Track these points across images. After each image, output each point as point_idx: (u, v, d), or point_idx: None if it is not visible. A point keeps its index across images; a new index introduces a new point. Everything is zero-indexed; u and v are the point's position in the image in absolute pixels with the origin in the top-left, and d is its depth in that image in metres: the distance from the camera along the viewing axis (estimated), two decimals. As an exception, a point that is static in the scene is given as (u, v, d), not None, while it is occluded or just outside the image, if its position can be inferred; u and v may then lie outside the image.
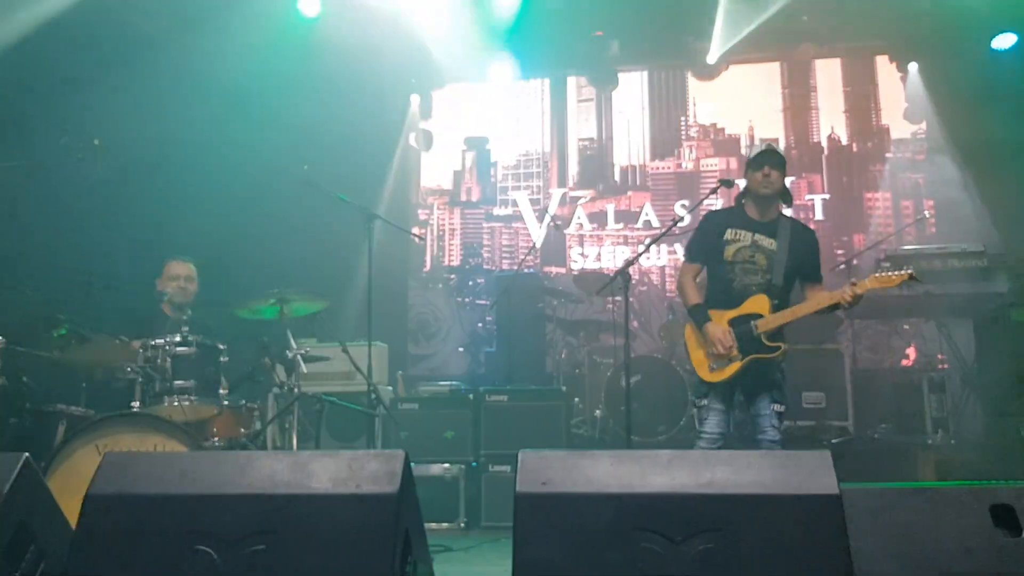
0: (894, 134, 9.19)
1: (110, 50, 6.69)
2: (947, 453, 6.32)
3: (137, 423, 4.24)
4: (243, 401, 4.98)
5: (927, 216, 8.61)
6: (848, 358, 7.05)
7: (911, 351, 8.36)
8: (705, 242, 4.75)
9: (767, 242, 4.61)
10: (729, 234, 4.64)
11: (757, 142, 9.33)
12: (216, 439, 4.72)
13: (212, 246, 6.44)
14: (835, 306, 4.48)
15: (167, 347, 4.61)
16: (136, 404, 4.43)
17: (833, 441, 6.57)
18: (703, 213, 5.41)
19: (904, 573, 2.48)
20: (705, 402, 4.59)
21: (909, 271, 4.43)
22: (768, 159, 4.62)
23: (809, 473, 2.41)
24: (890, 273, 4.46)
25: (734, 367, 4.49)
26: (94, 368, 4.94)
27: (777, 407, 4.47)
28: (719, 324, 4.53)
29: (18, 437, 4.37)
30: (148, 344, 4.62)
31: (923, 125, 9.06)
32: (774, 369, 4.55)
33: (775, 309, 4.52)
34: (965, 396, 6.87)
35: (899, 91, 9.20)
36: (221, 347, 4.82)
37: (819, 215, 9.08)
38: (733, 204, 4.88)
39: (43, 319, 4.37)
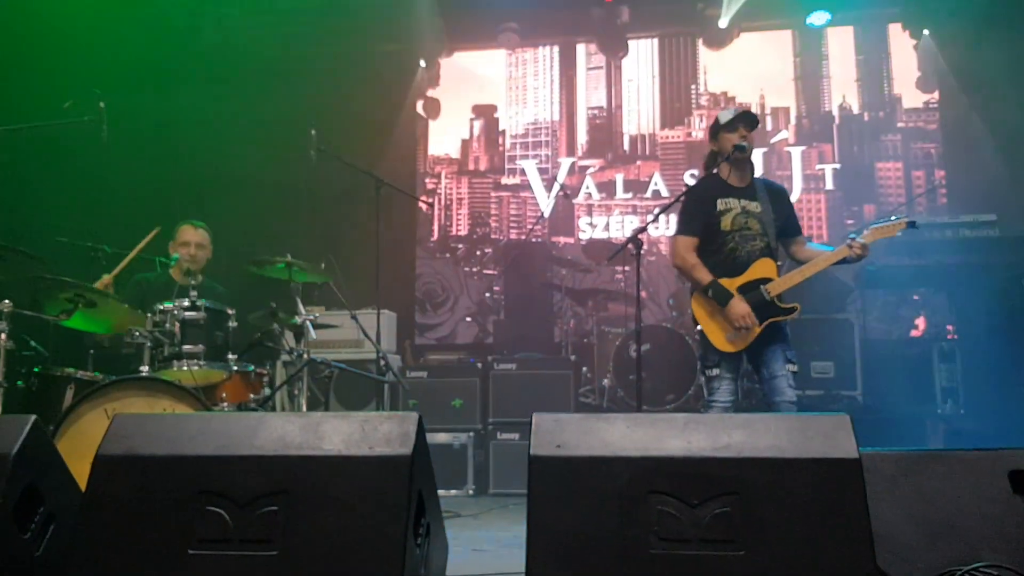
0: (906, 103, 9.08)
1: (116, 10, 6.61)
2: (957, 423, 6.31)
3: (146, 387, 4.22)
4: (252, 367, 4.96)
5: (939, 186, 8.54)
6: (857, 328, 7.01)
7: (920, 321, 8.32)
8: (700, 214, 4.65)
9: (753, 206, 4.59)
10: (721, 204, 4.60)
11: (768, 111, 9.24)
12: (225, 404, 4.71)
13: (220, 210, 6.41)
14: (841, 263, 4.47)
15: (176, 312, 4.59)
16: (145, 368, 4.41)
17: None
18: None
19: (923, 538, 2.47)
20: (717, 371, 4.54)
21: (906, 219, 4.39)
22: (743, 120, 4.58)
23: (828, 437, 2.37)
24: (889, 221, 4.42)
25: (753, 333, 4.46)
26: (102, 333, 4.93)
27: (791, 367, 4.45)
28: (740, 300, 4.48)
29: (26, 401, 4.35)
30: (156, 308, 4.59)
31: (935, 94, 8.96)
32: (783, 330, 4.54)
33: (779, 272, 4.54)
34: (975, 366, 6.83)
35: (912, 60, 9.08)
36: (230, 312, 4.80)
37: (829, 185, 8.99)
38: (704, 174, 4.82)
39: (50, 283, 4.33)
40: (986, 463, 2.62)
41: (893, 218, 4.47)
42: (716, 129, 4.71)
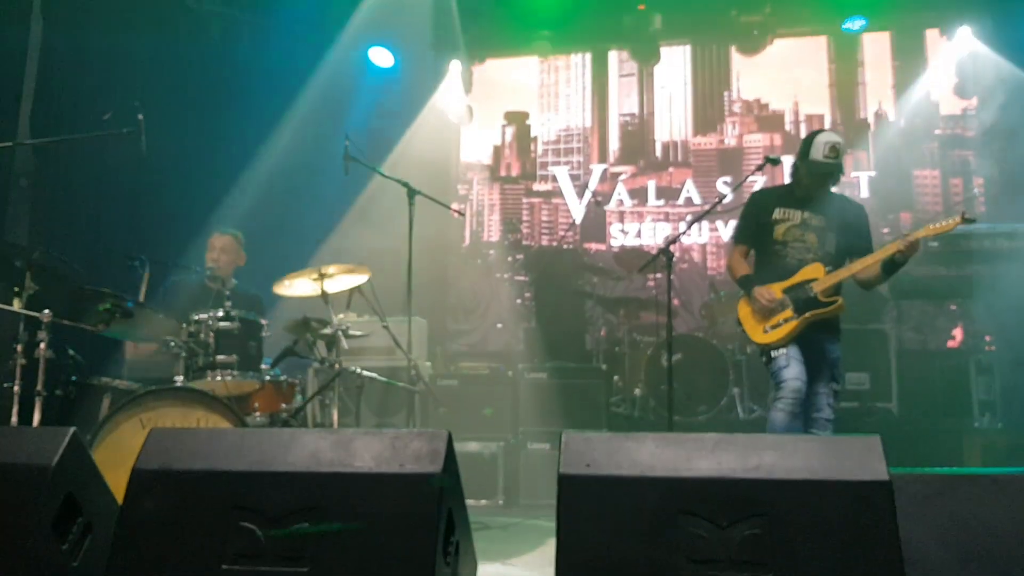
0: (943, 110, 8.97)
1: (156, 25, 6.72)
2: (994, 437, 6.21)
3: (180, 397, 4.28)
4: (284, 376, 5.01)
5: (977, 194, 8.43)
6: (893, 339, 6.95)
7: (958, 332, 8.20)
8: (753, 223, 4.73)
9: (816, 220, 4.56)
10: (778, 213, 4.60)
11: (802, 118, 9.18)
12: (258, 414, 4.76)
13: (256, 221, 6.49)
14: (891, 263, 4.37)
15: (210, 322, 4.64)
16: (179, 378, 4.47)
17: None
18: (748, 191, 5.35)
19: (955, 562, 2.44)
20: (784, 351, 4.44)
21: (961, 215, 4.25)
22: (836, 156, 4.49)
23: (858, 458, 2.36)
24: (944, 221, 4.35)
25: (790, 327, 4.44)
26: (138, 342, 5.00)
27: (835, 385, 4.48)
28: (764, 286, 4.52)
29: (64, 409, 4.42)
30: (192, 319, 4.65)
31: (973, 101, 8.84)
32: (834, 347, 4.54)
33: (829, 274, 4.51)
34: (1013, 379, 6.73)
35: (950, 66, 8.97)
36: (263, 322, 4.85)
37: (864, 192, 8.90)
38: (782, 182, 4.82)
39: (89, 294, 4.41)
40: (1020, 485, 2.58)
41: (950, 219, 4.34)
42: (811, 158, 4.58)
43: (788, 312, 4.46)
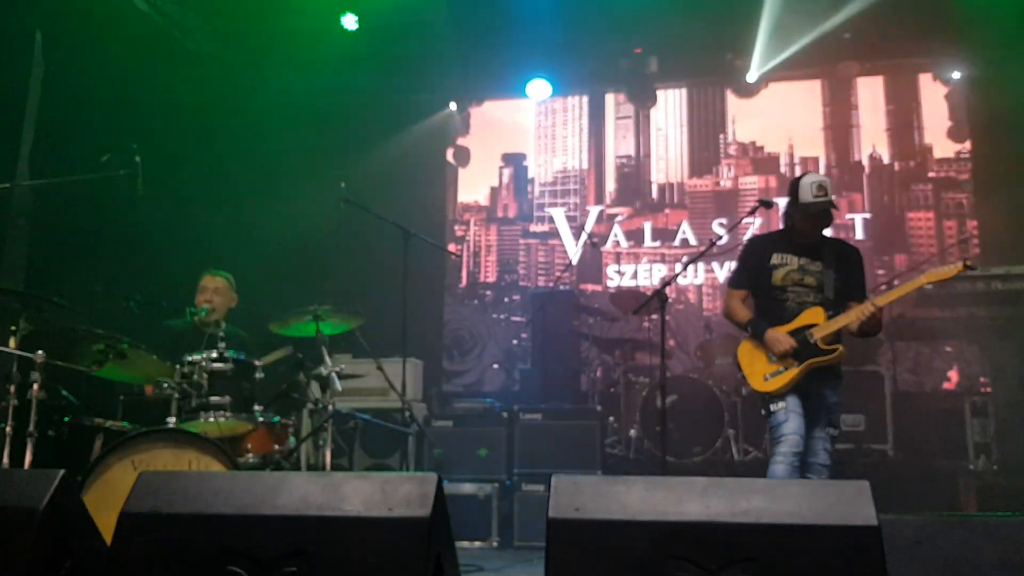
0: (937, 153, 9.05)
1: (156, 68, 6.79)
2: (989, 479, 6.19)
3: (173, 439, 4.26)
4: (277, 417, 5.00)
5: (971, 236, 8.48)
6: (888, 380, 6.94)
7: (953, 374, 8.22)
8: (750, 268, 4.74)
9: (815, 265, 4.56)
10: (776, 258, 4.60)
11: (797, 160, 9.25)
12: (251, 455, 4.74)
13: (251, 263, 6.51)
14: (861, 332, 4.42)
15: (203, 363, 4.64)
16: (172, 420, 4.46)
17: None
18: (742, 233, 5.37)
19: (945, 608, 2.43)
20: (783, 404, 4.40)
21: (963, 261, 4.28)
22: (825, 194, 4.52)
23: (847, 503, 2.35)
24: (945, 267, 4.36)
25: (791, 374, 4.40)
26: (131, 384, 5.00)
27: (831, 431, 4.45)
28: (776, 330, 4.48)
29: (56, 450, 4.40)
30: (185, 360, 4.65)
31: (967, 144, 8.93)
32: (833, 392, 4.51)
33: (830, 320, 4.48)
34: (1009, 421, 6.72)
35: (943, 109, 9.07)
36: (256, 363, 4.85)
37: (859, 235, 8.96)
38: (778, 227, 4.83)
39: (83, 334, 4.41)
40: (1012, 529, 2.58)
41: (951, 265, 4.36)
42: (801, 204, 4.57)
43: (790, 360, 4.45)
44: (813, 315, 4.49)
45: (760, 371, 4.52)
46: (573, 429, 6.53)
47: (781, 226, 4.85)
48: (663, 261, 9.31)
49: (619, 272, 9.40)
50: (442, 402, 7.85)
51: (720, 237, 5.70)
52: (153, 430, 4.28)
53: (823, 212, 4.56)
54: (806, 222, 4.58)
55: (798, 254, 4.60)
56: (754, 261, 4.71)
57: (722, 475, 5.05)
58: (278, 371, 5.15)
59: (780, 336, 4.45)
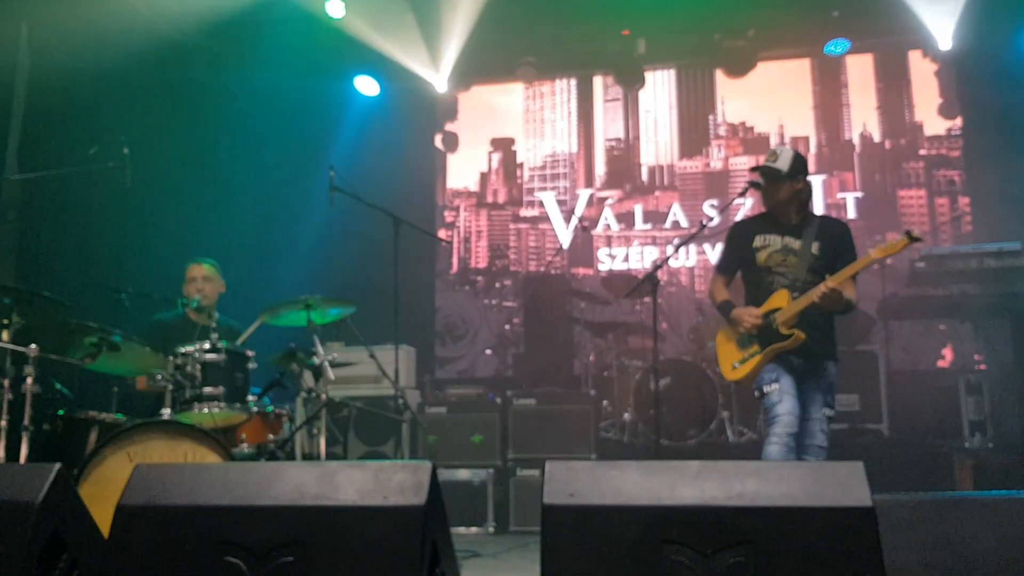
0: (928, 130, 9.05)
1: (142, 59, 6.75)
2: (984, 457, 6.22)
3: (167, 430, 4.26)
4: (271, 407, 5.00)
5: (963, 214, 8.49)
6: (882, 359, 6.96)
7: (947, 352, 8.24)
8: (734, 253, 4.76)
9: (797, 243, 4.55)
10: (758, 240, 4.60)
11: (787, 140, 9.24)
12: (245, 445, 4.74)
13: (241, 252, 6.50)
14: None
15: (197, 354, 4.64)
16: (166, 411, 4.45)
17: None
18: (734, 214, 5.36)
19: (941, 586, 2.44)
20: (776, 385, 4.39)
21: (908, 232, 4.14)
22: (773, 159, 4.54)
23: (841, 484, 2.36)
24: (891, 242, 4.28)
25: (754, 362, 4.44)
26: (124, 376, 4.99)
27: (827, 411, 4.45)
28: (743, 309, 4.53)
29: (51, 444, 4.41)
30: (178, 351, 4.64)
31: (958, 121, 8.92)
32: (829, 373, 4.51)
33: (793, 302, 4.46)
34: (1003, 398, 6.75)
35: (933, 87, 9.06)
36: (249, 354, 4.85)
37: (851, 213, 8.96)
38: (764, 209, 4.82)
39: (75, 327, 4.40)
40: (1008, 507, 2.59)
41: (897, 239, 4.27)
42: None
43: (755, 347, 4.46)
44: (779, 298, 4.46)
45: (729, 360, 4.57)
46: (567, 414, 6.54)
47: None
48: (654, 244, 9.30)
49: (610, 255, 9.39)
50: (435, 389, 7.85)
51: (711, 218, 5.68)
52: (148, 422, 4.28)
53: (767, 175, 4.52)
54: (768, 194, 4.58)
55: (781, 233, 4.59)
56: (737, 244, 4.72)
57: (717, 457, 5.04)
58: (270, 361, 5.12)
59: (743, 314, 4.49)
